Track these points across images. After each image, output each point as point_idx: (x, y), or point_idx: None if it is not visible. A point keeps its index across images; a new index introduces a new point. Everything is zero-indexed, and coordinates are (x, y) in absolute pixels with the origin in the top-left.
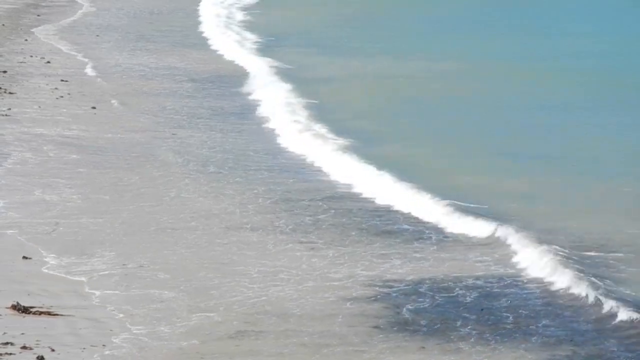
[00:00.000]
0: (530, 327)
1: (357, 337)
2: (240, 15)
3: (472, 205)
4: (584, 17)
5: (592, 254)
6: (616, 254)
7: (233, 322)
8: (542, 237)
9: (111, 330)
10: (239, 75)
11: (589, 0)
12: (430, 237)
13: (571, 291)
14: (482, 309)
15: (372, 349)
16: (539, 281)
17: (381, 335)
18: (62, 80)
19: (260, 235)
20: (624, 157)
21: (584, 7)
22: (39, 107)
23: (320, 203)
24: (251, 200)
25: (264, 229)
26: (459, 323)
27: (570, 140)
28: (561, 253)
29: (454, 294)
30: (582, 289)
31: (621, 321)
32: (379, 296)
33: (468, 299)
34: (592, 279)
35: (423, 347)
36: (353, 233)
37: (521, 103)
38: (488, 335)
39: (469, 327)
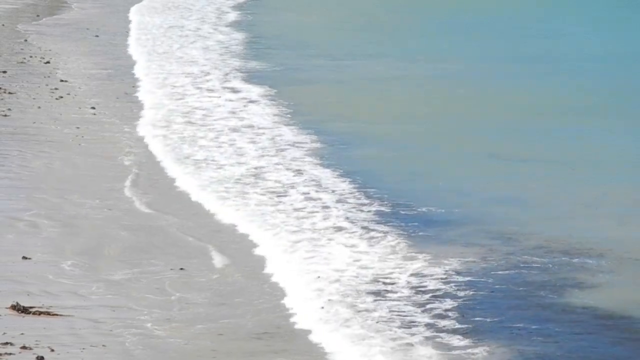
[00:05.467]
0: None
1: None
2: (232, 16)
3: (458, 210)
4: (585, 19)
5: (568, 258)
6: (596, 259)
7: (257, 325)
8: (523, 240)
9: (111, 330)
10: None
11: (591, 3)
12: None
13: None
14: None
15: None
16: None
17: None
18: (61, 81)
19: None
20: (623, 161)
21: (584, 9)
22: (39, 107)
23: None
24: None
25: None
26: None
27: (570, 143)
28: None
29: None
30: None
31: None
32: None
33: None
34: None
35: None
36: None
37: (519, 105)
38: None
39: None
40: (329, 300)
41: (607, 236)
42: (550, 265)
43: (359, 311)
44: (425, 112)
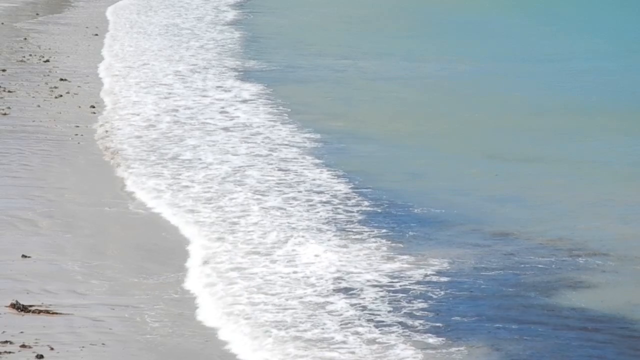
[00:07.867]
0: None
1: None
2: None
3: (455, 211)
4: (584, 19)
5: (565, 259)
6: (593, 260)
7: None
8: (521, 240)
9: (110, 329)
10: None
11: (591, 3)
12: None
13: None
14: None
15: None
16: None
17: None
18: (61, 79)
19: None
20: (623, 161)
21: (584, 10)
22: (39, 106)
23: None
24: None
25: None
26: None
27: (571, 143)
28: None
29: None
30: None
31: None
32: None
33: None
34: None
35: None
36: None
37: (520, 106)
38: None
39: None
40: (309, 300)
41: (606, 236)
42: (545, 266)
43: (332, 312)
44: (425, 112)
